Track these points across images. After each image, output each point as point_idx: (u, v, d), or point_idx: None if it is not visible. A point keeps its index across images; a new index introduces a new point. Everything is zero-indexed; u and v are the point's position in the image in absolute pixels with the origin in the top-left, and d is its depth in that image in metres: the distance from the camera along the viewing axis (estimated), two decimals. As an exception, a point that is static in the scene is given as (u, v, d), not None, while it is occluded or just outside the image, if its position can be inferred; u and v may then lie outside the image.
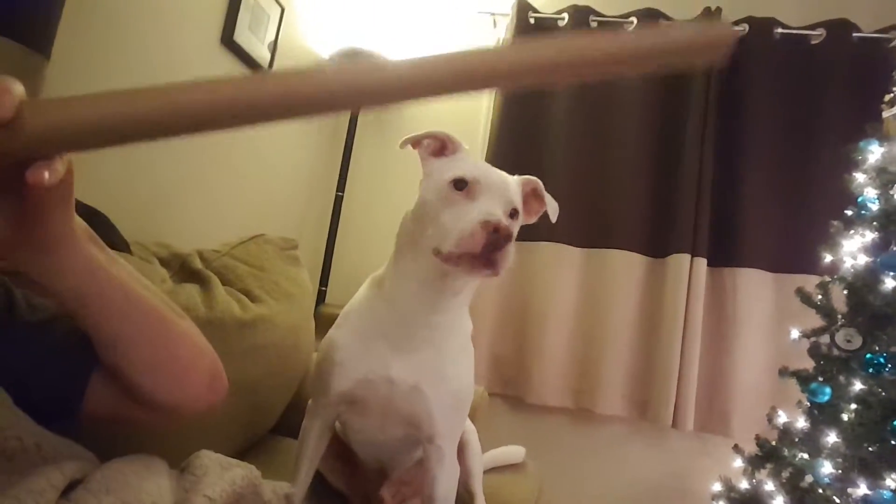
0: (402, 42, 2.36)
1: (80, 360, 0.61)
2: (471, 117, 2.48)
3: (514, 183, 0.88)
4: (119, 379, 0.61)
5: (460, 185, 0.81)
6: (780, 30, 2.17)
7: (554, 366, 2.13)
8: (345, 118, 2.41)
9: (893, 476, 1.26)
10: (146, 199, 1.48)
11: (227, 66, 1.77)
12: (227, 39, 1.73)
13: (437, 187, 0.84)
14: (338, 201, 2.34)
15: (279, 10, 1.98)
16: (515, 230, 0.80)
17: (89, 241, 0.55)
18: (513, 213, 0.84)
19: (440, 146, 0.91)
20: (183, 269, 1.29)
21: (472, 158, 0.89)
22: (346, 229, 2.37)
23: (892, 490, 1.25)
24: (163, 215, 1.53)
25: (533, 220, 0.96)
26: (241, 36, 1.78)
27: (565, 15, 2.35)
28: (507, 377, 2.19)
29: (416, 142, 0.93)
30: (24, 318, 0.60)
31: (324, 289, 2.27)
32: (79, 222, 0.52)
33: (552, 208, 0.95)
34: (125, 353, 0.60)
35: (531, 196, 0.94)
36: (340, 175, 2.35)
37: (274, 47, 1.98)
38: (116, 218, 1.13)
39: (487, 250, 0.72)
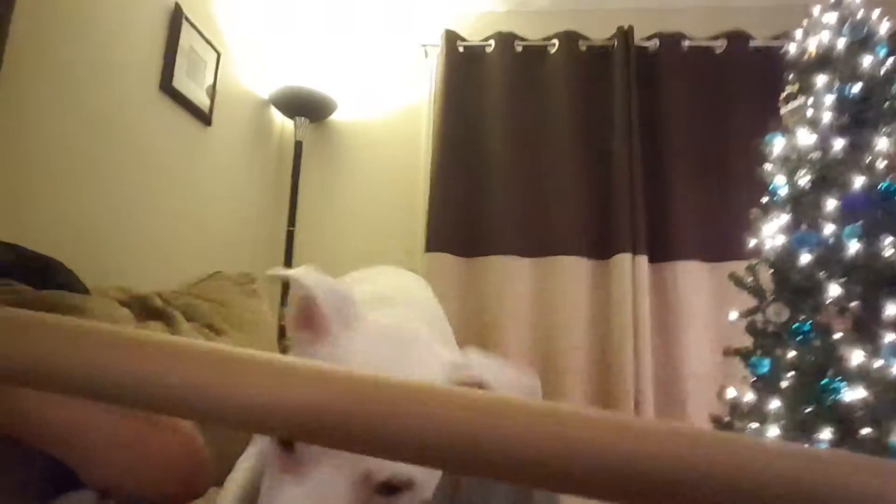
0: (338, 78, 2.44)
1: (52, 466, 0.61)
2: (411, 146, 2.57)
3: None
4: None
5: (286, 443, 0.48)
6: (686, 42, 2.39)
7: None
8: (287, 152, 2.46)
9: (828, 431, 1.39)
10: (102, 242, 1.48)
11: (168, 113, 1.79)
12: (167, 86, 1.76)
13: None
14: (290, 236, 2.37)
15: (215, 55, 2.03)
16: None
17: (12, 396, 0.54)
18: (387, 488, 0.47)
19: (309, 314, 0.55)
20: (145, 308, 1.30)
21: (354, 348, 0.53)
22: (300, 263, 2.39)
23: (827, 442, 1.37)
24: (119, 258, 1.53)
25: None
26: (180, 82, 1.82)
27: (492, 42, 2.50)
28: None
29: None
30: None
31: (283, 324, 2.27)
32: None
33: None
34: (84, 474, 0.62)
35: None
36: (290, 209, 2.39)
37: (213, 91, 2.02)
38: (73, 263, 1.14)
39: None
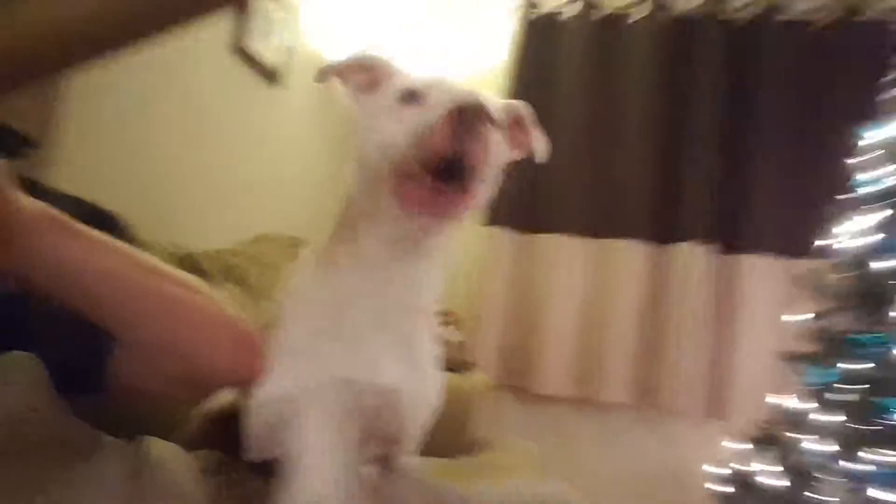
0: (413, 40, 2.42)
1: (94, 334, 0.59)
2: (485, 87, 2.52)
3: (492, 99, 0.68)
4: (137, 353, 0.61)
5: (410, 98, 0.62)
6: (782, 15, 2.17)
7: (559, 355, 2.17)
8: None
9: (880, 451, 1.27)
10: (155, 197, 1.57)
11: (236, 72, 1.86)
12: (237, 45, 1.82)
13: (381, 119, 0.64)
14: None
15: (290, 14, 2.07)
16: (492, 141, 0.58)
17: (53, 232, 0.53)
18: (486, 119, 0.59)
19: (371, 77, 0.70)
20: (191, 269, 1.37)
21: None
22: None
23: (879, 463, 1.26)
24: (172, 214, 1.62)
25: (519, 154, 0.75)
26: (251, 41, 1.87)
27: (571, 8, 2.38)
28: (513, 367, 2.23)
29: (341, 75, 0.72)
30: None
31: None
32: (36, 212, 0.51)
33: (540, 145, 0.74)
34: (126, 335, 0.59)
35: (515, 127, 0.74)
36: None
37: (286, 52, 2.06)
38: (134, 218, 1.21)
39: (457, 144, 0.54)
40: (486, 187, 0.61)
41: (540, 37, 2.41)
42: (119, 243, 0.60)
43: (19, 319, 0.59)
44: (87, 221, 0.78)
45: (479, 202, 0.61)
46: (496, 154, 0.62)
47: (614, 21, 2.35)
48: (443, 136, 0.54)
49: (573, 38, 2.37)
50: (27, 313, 0.59)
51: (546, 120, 2.38)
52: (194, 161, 1.70)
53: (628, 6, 2.34)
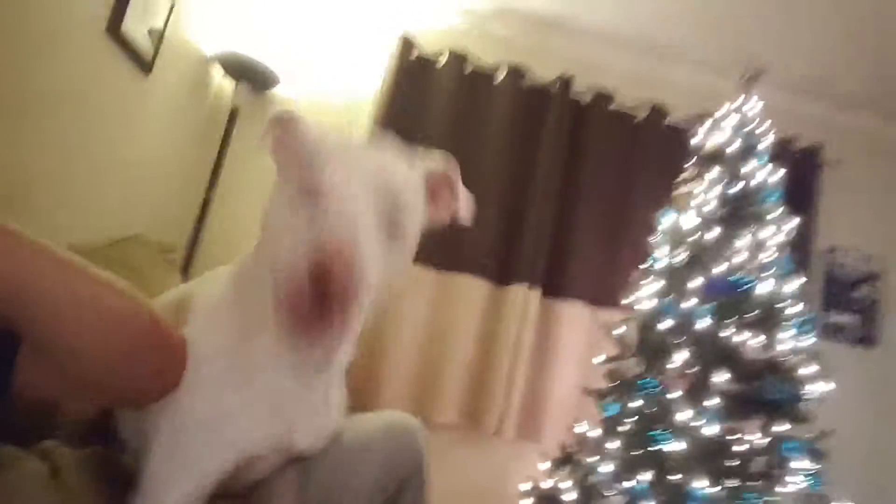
0: (287, 53, 2.44)
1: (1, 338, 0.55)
2: (350, 113, 2.61)
3: (406, 177, 0.63)
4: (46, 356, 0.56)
5: (308, 194, 0.58)
6: (613, 104, 2.62)
7: (399, 375, 2.33)
8: (221, 116, 2.43)
9: (648, 473, 1.62)
10: (14, 183, 1.42)
11: (110, 56, 1.75)
12: (113, 28, 1.72)
13: (280, 211, 0.60)
14: (205, 203, 2.33)
15: (170, 2, 1.99)
16: (372, 265, 0.53)
17: None
18: (392, 229, 0.58)
19: (285, 132, 0.67)
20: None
21: (343, 143, 0.65)
22: (211, 232, 2.37)
23: (646, 483, 1.60)
24: (33, 202, 1.48)
25: (443, 216, 0.71)
26: (128, 24, 1.78)
27: (444, 57, 2.60)
28: (355, 381, 2.34)
29: (273, 137, 0.67)
30: None
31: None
32: None
33: (467, 206, 0.68)
34: (39, 339, 0.55)
35: (442, 187, 0.70)
36: (212, 175, 2.36)
37: (160, 40, 1.97)
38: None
39: (317, 304, 0.49)
40: (372, 297, 0.56)
41: (414, 75, 2.59)
42: (37, 240, 0.56)
43: None
44: None
45: (363, 316, 0.55)
46: (381, 271, 0.57)
47: (482, 78, 2.62)
48: (297, 292, 0.49)
49: (444, 84, 2.59)
50: None
51: (408, 150, 2.56)
52: (56, 143, 1.57)
53: (494, 67, 2.63)
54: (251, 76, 2.40)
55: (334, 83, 2.67)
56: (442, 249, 2.45)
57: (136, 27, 1.82)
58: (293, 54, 2.48)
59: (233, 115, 2.41)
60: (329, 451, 0.82)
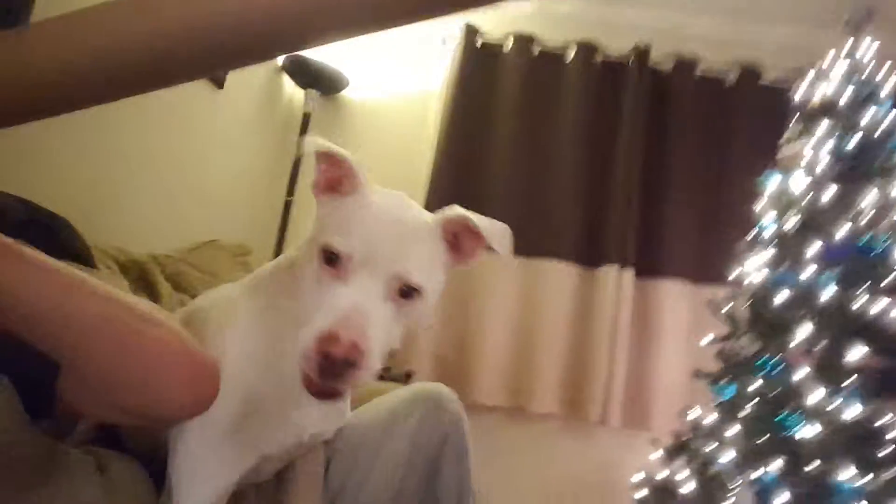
0: (354, 55, 2.45)
1: (42, 362, 0.57)
2: (418, 133, 2.59)
3: (420, 234, 0.66)
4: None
5: (331, 258, 0.61)
6: (700, 68, 2.44)
7: (492, 366, 2.27)
8: (294, 123, 2.46)
9: (778, 461, 1.48)
10: (102, 200, 1.49)
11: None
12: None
13: (311, 255, 0.64)
14: (287, 206, 2.39)
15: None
16: (378, 343, 0.58)
17: None
18: (405, 292, 0.62)
19: (334, 179, 0.68)
20: (141, 277, 1.32)
21: (373, 200, 0.66)
22: (295, 235, 2.42)
23: (775, 473, 1.46)
24: (121, 216, 1.55)
25: (471, 262, 0.72)
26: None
27: (510, 41, 2.52)
28: (449, 377, 2.31)
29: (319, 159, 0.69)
30: None
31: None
32: None
33: (497, 239, 0.68)
34: (75, 367, 0.57)
35: (464, 234, 0.70)
36: (290, 180, 2.40)
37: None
38: (78, 220, 1.15)
39: (323, 377, 0.56)
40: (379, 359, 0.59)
41: (481, 63, 2.52)
42: (69, 268, 0.58)
43: None
44: (32, 224, 0.75)
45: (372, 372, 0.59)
46: (392, 332, 0.62)
47: (551, 57, 2.51)
48: (310, 369, 0.56)
49: (512, 68, 2.51)
50: None
51: (482, 143, 2.53)
52: (141, 164, 1.63)
53: (563, 46, 2.52)
54: (319, 81, 2.42)
55: (402, 79, 2.65)
56: (526, 236, 2.37)
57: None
58: (359, 55, 2.48)
59: (306, 121, 2.44)
60: (351, 429, 0.83)
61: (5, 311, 0.51)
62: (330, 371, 0.55)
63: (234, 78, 2.06)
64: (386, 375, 1.88)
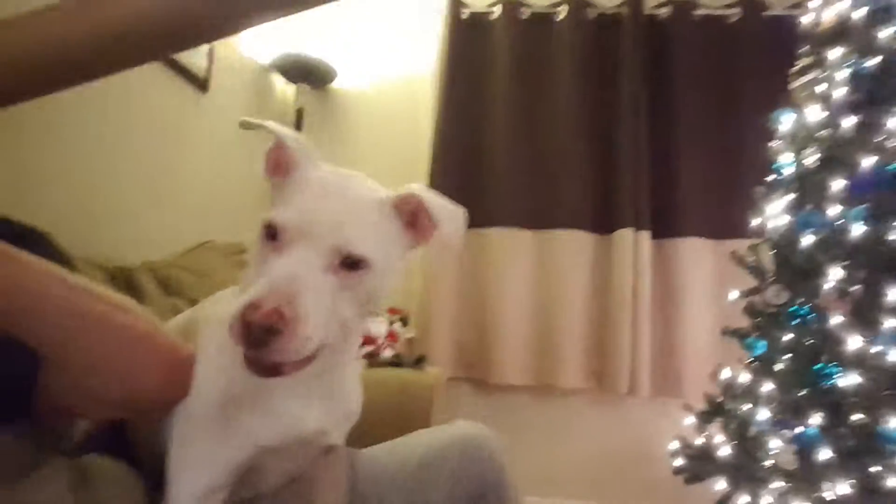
0: (340, 45, 2.39)
1: (23, 355, 0.58)
2: (414, 114, 2.52)
3: (365, 207, 0.63)
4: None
5: (271, 232, 0.60)
6: (699, 11, 2.30)
7: (514, 346, 2.21)
8: (288, 120, 2.42)
9: (818, 415, 1.38)
10: (93, 213, 1.48)
11: (163, 79, 1.77)
12: (162, 53, 1.73)
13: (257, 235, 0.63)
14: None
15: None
16: (312, 315, 0.56)
17: None
18: (348, 263, 0.60)
19: (279, 160, 0.67)
20: (129, 285, 1.30)
21: (316, 175, 0.64)
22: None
23: (817, 427, 1.36)
24: (112, 226, 1.53)
25: (428, 241, 0.69)
26: (176, 48, 1.78)
27: (497, 8, 2.42)
28: (470, 361, 2.26)
29: (268, 160, 0.69)
30: None
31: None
32: None
33: (447, 221, 0.65)
34: (53, 356, 0.58)
35: (422, 214, 0.67)
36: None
37: (211, 57, 1.98)
38: (63, 234, 1.13)
39: (248, 346, 0.54)
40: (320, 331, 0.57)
41: (470, 36, 2.44)
42: (45, 263, 0.59)
43: None
44: (11, 238, 0.72)
45: (312, 344, 0.56)
46: (330, 307, 0.59)
47: (541, 19, 2.41)
48: (238, 339, 0.54)
49: (502, 36, 2.41)
50: None
51: (480, 117, 2.46)
52: (130, 174, 1.61)
53: (553, 5, 2.41)
54: (309, 75, 2.37)
55: (392, 64, 2.58)
56: (535, 207, 2.29)
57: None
58: (346, 44, 2.42)
59: (299, 116, 2.39)
60: (380, 468, 0.82)
61: None
62: (252, 339, 0.53)
63: (218, 80, 2.03)
64: (397, 361, 1.84)
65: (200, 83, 1.94)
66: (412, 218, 0.67)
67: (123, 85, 1.58)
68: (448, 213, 0.65)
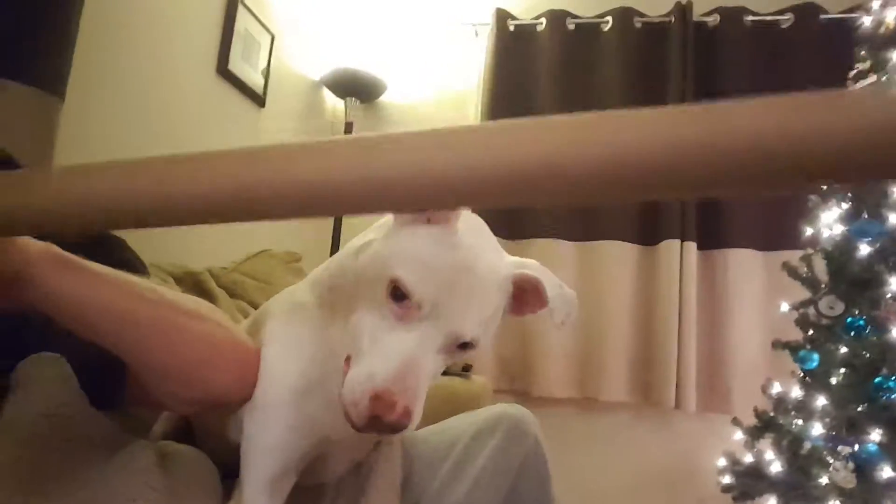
0: (389, 59, 2.47)
1: (110, 356, 0.61)
2: (460, 121, 2.56)
3: (492, 288, 0.63)
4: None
5: (398, 294, 0.58)
6: (750, 17, 2.26)
7: (557, 358, 2.19)
8: (339, 133, 2.51)
9: (878, 431, 1.32)
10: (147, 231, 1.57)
11: (224, 95, 1.87)
12: (223, 69, 1.84)
13: (376, 274, 0.61)
14: (338, 216, 2.43)
15: (269, 37, 2.10)
16: (429, 383, 0.59)
17: (54, 270, 0.54)
18: (460, 345, 0.61)
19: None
20: (196, 286, 1.38)
21: (458, 240, 0.61)
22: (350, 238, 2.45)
23: (876, 444, 1.30)
24: (176, 236, 1.62)
25: (526, 314, 0.70)
26: (236, 65, 1.89)
27: (543, 20, 2.44)
28: (513, 373, 2.25)
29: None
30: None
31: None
32: (38, 252, 0.53)
33: (561, 309, 0.65)
34: (133, 363, 0.63)
35: (531, 291, 0.67)
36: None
37: (267, 73, 2.09)
38: (134, 241, 1.22)
39: (368, 430, 0.55)
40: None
41: (517, 47, 2.47)
42: (122, 275, 0.61)
43: (42, 337, 0.63)
44: (88, 245, 0.78)
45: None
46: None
47: (588, 30, 2.42)
48: (356, 419, 0.55)
49: (548, 48, 2.43)
50: (49, 332, 0.61)
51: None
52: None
53: (599, 15, 2.41)
54: (358, 90, 2.45)
55: (440, 77, 2.64)
56: (579, 219, 2.28)
57: (242, 65, 1.93)
58: (395, 58, 2.50)
59: (349, 130, 2.47)
60: (433, 443, 0.85)
61: (70, 317, 0.56)
62: (376, 427, 0.55)
63: (274, 96, 2.13)
64: (444, 370, 1.86)
65: (258, 99, 2.04)
66: (520, 292, 0.67)
67: (189, 98, 1.68)
68: (562, 298, 0.65)
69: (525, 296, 0.67)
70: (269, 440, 0.70)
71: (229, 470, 0.72)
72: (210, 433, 0.84)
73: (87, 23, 1.25)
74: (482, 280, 0.61)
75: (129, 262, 1.15)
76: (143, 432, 0.78)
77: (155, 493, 0.59)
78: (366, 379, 0.55)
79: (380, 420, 0.54)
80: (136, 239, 1.24)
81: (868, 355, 1.43)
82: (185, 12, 1.68)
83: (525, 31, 2.48)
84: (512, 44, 2.47)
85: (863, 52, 1.73)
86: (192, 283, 1.41)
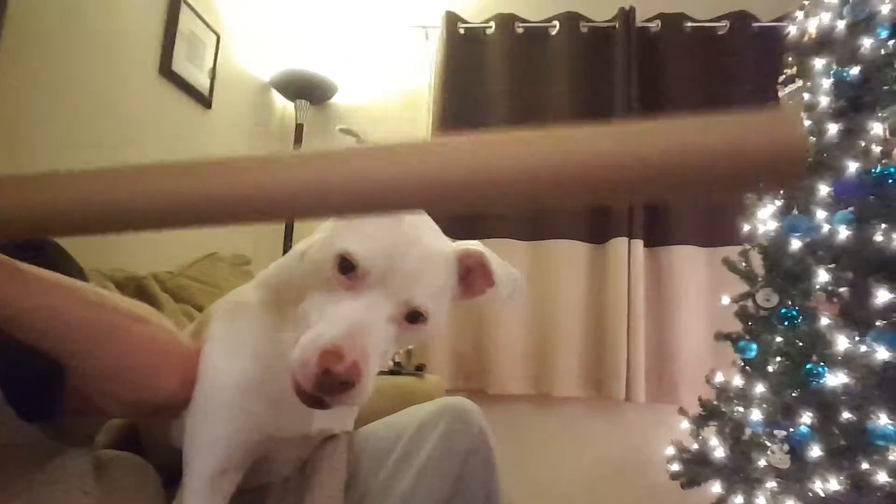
0: (340, 61, 2.45)
1: (46, 364, 0.60)
2: (412, 129, 2.57)
3: (438, 261, 0.64)
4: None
5: (346, 266, 0.59)
6: (689, 24, 2.36)
7: (512, 356, 2.23)
8: (288, 135, 2.48)
9: (808, 414, 1.40)
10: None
11: (167, 96, 1.82)
12: (166, 69, 1.78)
13: (325, 256, 0.61)
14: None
15: (214, 37, 2.05)
16: (377, 360, 0.57)
17: None
18: (411, 317, 0.61)
19: None
20: (139, 291, 1.34)
21: (403, 220, 0.63)
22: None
23: (808, 426, 1.38)
24: (119, 240, 1.57)
25: (477, 297, 0.71)
26: (179, 65, 1.84)
27: (492, 23, 2.48)
28: (468, 372, 2.28)
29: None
30: None
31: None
32: None
33: (507, 285, 0.66)
34: (75, 367, 0.61)
35: (477, 271, 0.68)
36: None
37: (213, 74, 2.04)
38: (73, 246, 1.17)
39: (318, 390, 0.54)
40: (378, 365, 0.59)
41: (466, 50, 2.49)
42: (64, 278, 0.60)
43: None
44: (27, 249, 0.75)
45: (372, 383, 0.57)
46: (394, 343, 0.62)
47: (536, 34, 2.47)
48: (305, 380, 0.54)
49: (497, 51, 2.47)
50: None
51: (477, 130, 2.50)
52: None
53: (547, 20, 2.47)
54: (308, 91, 2.42)
55: (390, 79, 2.64)
56: (528, 218, 2.32)
57: (186, 65, 1.88)
58: (344, 60, 2.48)
59: (299, 132, 2.44)
60: (380, 436, 0.86)
61: (13, 321, 0.54)
62: (326, 386, 0.53)
63: (221, 97, 2.08)
64: (397, 370, 1.86)
65: (204, 100, 1.99)
66: (466, 272, 0.68)
67: (130, 99, 1.63)
68: (507, 274, 0.66)
69: (471, 277, 0.69)
70: (209, 436, 0.69)
71: (175, 477, 0.71)
72: (156, 441, 0.82)
73: (19, 5, 1.20)
74: (428, 251, 0.62)
75: (66, 267, 1.10)
76: (86, 444, 0.75)
77: (88, 499, 0.58)
78: (315, 338, 0.55)
79: (329, 375, 0.52)
80: (78, 242, 1.19)
81: (801, 344, 1.51)
82: (124, 12, 1.62)
83: (474, 35, 2.51)
84: (462, 47, 2.49)
85: (790, 59, 1.84)
86: (135, 288, 1.37)
